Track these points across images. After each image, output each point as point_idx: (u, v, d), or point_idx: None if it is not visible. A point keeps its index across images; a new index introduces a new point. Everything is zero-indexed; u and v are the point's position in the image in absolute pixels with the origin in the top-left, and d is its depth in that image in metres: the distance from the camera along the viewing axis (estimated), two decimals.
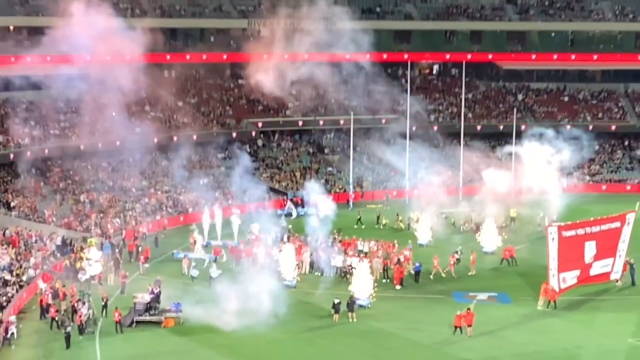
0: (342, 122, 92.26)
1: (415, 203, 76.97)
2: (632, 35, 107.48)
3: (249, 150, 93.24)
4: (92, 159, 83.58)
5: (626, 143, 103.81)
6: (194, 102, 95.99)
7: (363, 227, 76.94)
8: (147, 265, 63.56)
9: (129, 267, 62.96)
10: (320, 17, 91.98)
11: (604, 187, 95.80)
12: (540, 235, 72.67)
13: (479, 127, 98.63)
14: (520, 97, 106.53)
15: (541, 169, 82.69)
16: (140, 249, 66.77)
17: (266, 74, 79.55)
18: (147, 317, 52.44)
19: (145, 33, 72.10)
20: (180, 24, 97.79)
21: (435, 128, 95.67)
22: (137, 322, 52.19)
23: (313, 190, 74.83)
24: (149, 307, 52.78)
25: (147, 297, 53.22)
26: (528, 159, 79.64)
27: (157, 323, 52.18)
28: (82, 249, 63.59)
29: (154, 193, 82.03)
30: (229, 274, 56.40)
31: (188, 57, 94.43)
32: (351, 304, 53.41)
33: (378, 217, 78.66)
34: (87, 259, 60.68)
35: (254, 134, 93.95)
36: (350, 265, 60.09)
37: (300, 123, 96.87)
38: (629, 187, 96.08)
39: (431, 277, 61.89)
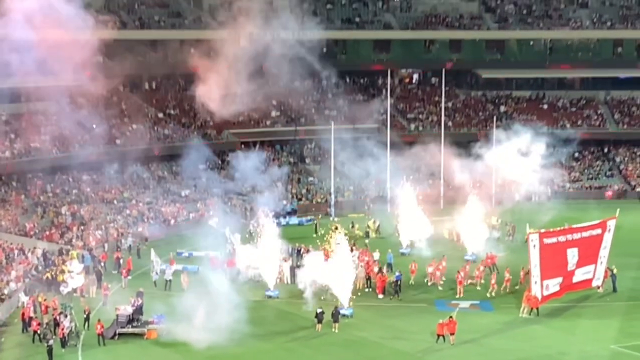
0: (322, 132, 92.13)
1: (397, 212, 77.14)
2: (610, 43, 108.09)
3: (230, 160, 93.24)
4: (73, 171, 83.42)
5: (605, 150, 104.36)
6: (175, 114, 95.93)
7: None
8: (129, 277, 63.34)
9: (111, 279, 62.79)
10: (295, 27, 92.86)
11: (585, 194, 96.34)
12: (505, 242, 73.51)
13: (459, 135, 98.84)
14: (499, 105, 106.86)
15: (520, 172, 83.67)
16: (122, 261, 66.61)
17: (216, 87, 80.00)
18: (129, 329, 52.28)
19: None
20: (160, 36, 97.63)
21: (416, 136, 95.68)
22: (120, 334, 52.02)
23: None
24: (131, 319, 52.64)
25: (130, 309, 53.07)
26: (506, 159, 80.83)
27: (140, 335, 52.08)
28: (63, 261, 63.36)
29: (135, 205, 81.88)
30: (209, 285, 56.25)
31: None
32: (336, 314, 53.39)
33: (336, 227, 78.23)
34: (68, 272, 60.49)
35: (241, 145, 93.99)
36: None
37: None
38: (609, 194, 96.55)
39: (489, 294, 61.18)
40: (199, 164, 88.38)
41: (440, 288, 61.97)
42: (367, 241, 72.74)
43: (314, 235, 73.91)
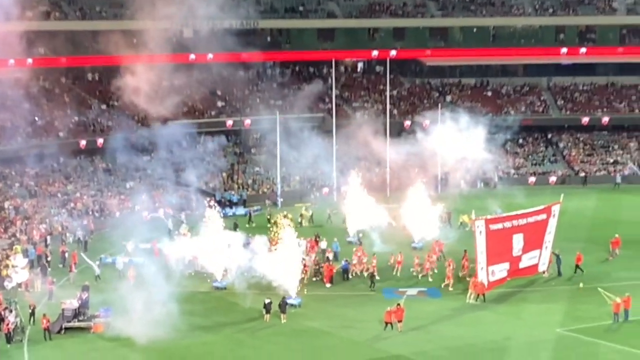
0: (267, 121, 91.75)
1: (342, 200, 77.17)
2: (552, 30, 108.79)
3: (175, 151, 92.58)
4: (16, 164, 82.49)
5: (549, 136, 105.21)
6: (119, 105, 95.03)
7: (254, 225, 76.68)
8: (75, 271, 62.70)
9: (57, 273, 62.20)
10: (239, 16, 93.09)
11: (530, 180, 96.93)
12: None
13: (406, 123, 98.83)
14: (444, 92, 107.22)
15: (464, 159, 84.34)
16: (67, 254, 66.01)
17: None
18: (76, 323, 51.91)
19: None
20: (101, 27, 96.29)
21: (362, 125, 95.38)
22: (66, 328, 51.63)
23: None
24: (77, 313, 52.25)
25: (76, 303, 52.64)
26: (451, 147, 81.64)
27: (86, 329, 51.67)
28: (7, 256, 62.63)
29: (79, 198, 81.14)
30: (155, 278, 55.98)
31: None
32: (283, 304, 53.32)
33: (269, 217, 78.50)
34: (12, 266, 59.83)
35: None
36: None
37: (230, 123, 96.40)
38: (553, 179, 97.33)
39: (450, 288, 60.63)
40: (144, 155, 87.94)
41: (430, 280, 61.35)
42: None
43: (268, 225, 73.87)
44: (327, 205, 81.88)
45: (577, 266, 62.06)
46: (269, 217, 77.52)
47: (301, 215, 78.56)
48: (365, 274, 61.84)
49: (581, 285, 59.91)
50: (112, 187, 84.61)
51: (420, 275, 62.23)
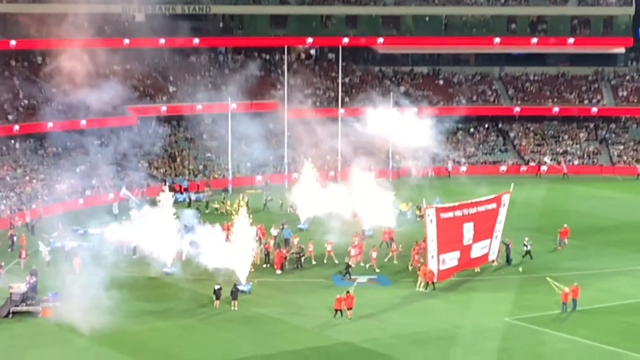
0: (219, 107, 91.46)
1: (293, 187, 77.26)
2: (503, 19, 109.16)
3: (126, 136, 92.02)
4: None
5: (500, 125, 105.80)
6: (69, 89, 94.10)
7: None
8: (26, 257, 61.96)
9: (5, 257, 61.65)
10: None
11: (480, 169, 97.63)
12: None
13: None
14: (396, 81, 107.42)
15: (415, 148, 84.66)
16: (15, 239, 65.44)
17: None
18: (23, 308, 51.57)
19: None
20: (51, 9, 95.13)
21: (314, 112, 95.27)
22: (14, 312, 51.29)
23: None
24: (25, 297, 51.90)
25: (24, 287, 52.31)
26: (402, 135, 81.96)
27: (35, 313, 51.35)
28: None
29: (28, 182, 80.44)
30: (104, 263, 55.74)
31: None
32: (235, 291, 53.27)
33: (207, 203, 78.63)
34: None
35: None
36: None
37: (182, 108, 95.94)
38: (503, 169, 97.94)
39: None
40: (94, 139, 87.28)
41: (419, 272, 60.15)
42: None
43: (206, 212, 73.75)
44: (271, 192, 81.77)
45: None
46: (206, 202, 78.78)
47: (238, 202, 77.75)
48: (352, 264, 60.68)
49: (520, 269, 60.46)
50: (61, 171, 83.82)
51: (410, 268, 61.21)
